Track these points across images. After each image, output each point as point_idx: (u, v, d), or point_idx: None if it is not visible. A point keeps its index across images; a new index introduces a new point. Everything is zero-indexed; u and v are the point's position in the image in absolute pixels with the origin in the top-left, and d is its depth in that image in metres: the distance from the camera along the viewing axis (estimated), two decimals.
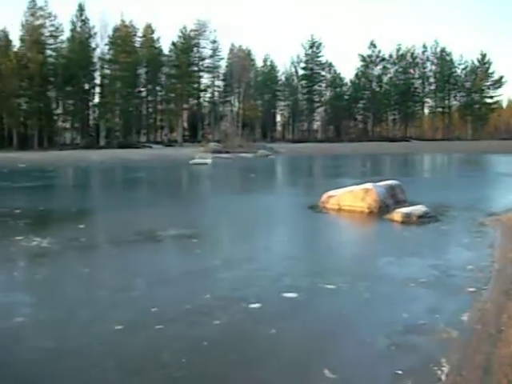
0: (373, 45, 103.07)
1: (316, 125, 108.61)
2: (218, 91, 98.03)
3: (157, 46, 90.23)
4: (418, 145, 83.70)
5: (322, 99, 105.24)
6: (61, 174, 38.05)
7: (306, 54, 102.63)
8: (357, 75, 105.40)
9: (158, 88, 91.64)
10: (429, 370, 5.01)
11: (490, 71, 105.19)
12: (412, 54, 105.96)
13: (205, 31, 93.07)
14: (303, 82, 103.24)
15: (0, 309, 6.96)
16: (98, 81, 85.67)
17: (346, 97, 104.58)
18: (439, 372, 4.95)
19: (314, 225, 14.41)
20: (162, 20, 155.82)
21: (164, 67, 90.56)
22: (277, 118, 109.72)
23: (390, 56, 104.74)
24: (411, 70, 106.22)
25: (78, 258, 10.13)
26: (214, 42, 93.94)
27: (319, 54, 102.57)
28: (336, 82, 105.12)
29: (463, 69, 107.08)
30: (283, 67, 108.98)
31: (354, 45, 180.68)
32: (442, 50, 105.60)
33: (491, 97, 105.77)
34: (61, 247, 10.69)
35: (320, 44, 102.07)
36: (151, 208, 17.33)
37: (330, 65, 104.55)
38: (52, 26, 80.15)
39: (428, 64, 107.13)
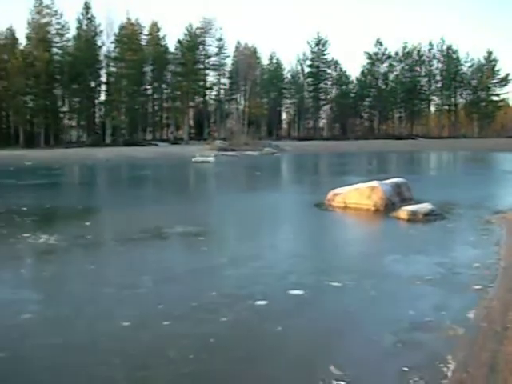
0: (379, 42, 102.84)
1: (322, 123, 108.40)
2: (224, 89, 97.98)
3: (163, 43, 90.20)
4: (424, 143, 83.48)
5: (328, 97, 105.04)
6: (67, 171, 38.13)
7: (312, 52, 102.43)
8: (363, 73, 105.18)
9: (163, 86, 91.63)
10: (435, 367, 5.02)
11: (497, 69, 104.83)
12: (418, 51, 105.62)
13: (211, 29, 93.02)
14: (309, 79, 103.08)
15: (8, 306, 6.99)
16: (103, 79, 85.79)
17: (352, 94, 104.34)
18: (445, 369, 4.96)
19: (320, 223, 14.41)
20: (167, 18, 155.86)
21: (170, 65, 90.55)
22: (282, 116, 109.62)
23: (396, 54, 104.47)
24: (417, 68, 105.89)
25: (84, 255, 10.17)
26: (220, 39, 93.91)
27: (325, 52, 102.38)
28: (342, 79, 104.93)
29: (469, 66, 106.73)
30: (289, 65, 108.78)
31: (360, 42, 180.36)
32: (449, 48, 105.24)
33: (498, 94, 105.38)
34: (67, 244, 10.73)
35: (326, 42, 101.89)
36: (157, 205, 17.37)
37: (336, 62, 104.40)
38: (58, 24, 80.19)
39: (434, 62, 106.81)
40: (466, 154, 57.60)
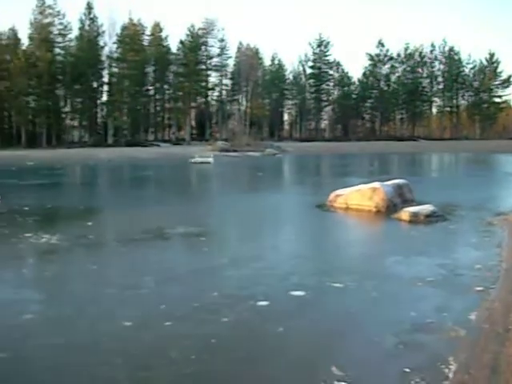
0: (381, 44, 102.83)
1: (323, 124, 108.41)
2: (226, 90, 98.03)
3: (165, 44, 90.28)
4: (426, 144, 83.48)
5: (330, 98, 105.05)
6: (69, 172, 38.17)
7: (314, 53, 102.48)
8: (365, 74, 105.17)
9: (165, 86, 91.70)
10: (436, 368, 5.01)
11: (499, 70, 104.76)
12: (420, 53, 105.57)
13: (213, 30, 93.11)
14: (311, 80, 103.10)
15: (10, 306, 7.00)
16: (106, 79, 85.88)
17: (354, 96, 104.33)
18: (447, 370, 4.96)
19: (322, 224, 14.42)
20: (170, 18, 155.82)
21: (172, 66, 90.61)
22: (284, 117, 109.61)
23: (398, 55, 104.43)
24: (419, 69, 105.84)
25: (86, 255, 10.18)
26: (222, 40, 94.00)
27: (327, 53, 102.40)
28: (344, 80, 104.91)
29: (471, 68, 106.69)
30: (291, 66, 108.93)
31: (362, 44, 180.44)
32: (451, 49, 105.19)
33: (500, 96, 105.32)
34: (69, 244, 10.75)
35: (328, 43, 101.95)
36: (159, 206, 17.38)
37: (338, 64, 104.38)
38: (61, 24, 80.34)
39: (436, 63, 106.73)
40: (467, 156, 57.59)
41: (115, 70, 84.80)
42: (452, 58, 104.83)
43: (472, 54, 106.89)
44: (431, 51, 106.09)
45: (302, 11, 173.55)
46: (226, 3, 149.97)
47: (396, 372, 5.03)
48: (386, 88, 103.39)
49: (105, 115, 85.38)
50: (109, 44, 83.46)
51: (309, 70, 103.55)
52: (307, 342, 5.78)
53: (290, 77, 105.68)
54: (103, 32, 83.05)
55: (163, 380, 4.96)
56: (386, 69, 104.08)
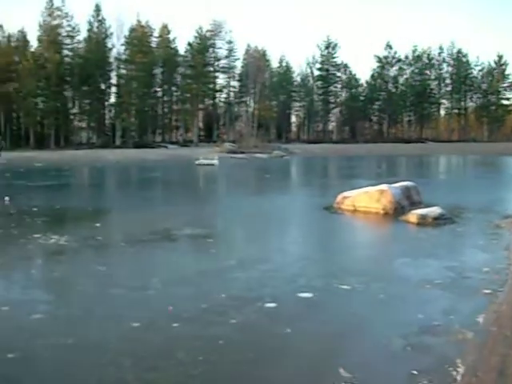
0: (389, 46, 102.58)
1: (331, 126, 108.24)
2: (234, 91, 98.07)
3: (173, 46, 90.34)
4: (434, 146, 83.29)
5: (338, 100, 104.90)
6: (77, 173, 38.29)
7: (322, 55, 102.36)
8: (372, 76, 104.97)
9: (173, 88, 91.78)
10: (444, 370, 5.01)
11: (507, 73, 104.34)
12: (428, 55, 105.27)
13: (220, 32, 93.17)
14: (319, 82, 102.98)
15: (19, 306, 7.03)
16: (114, 81, 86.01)
17: (362, 98, 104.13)
18: (454, 373, 4.96)
19: (329, 225, 14.42)
20: (178, 20, 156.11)
21: (180, 67, 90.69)
22: (292, 119, 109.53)
23: (406, 57, 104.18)
24: (427, 72, 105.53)
25: (94, 256, 10.23)
26: (230, 42, 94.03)
27: (335, 55, 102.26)
28: (351, 82, 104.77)
29: (480, 70, 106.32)
30: (299, 68, 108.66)
31: (370, 46, 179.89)
32: (459, 52, 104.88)
33: (508, 98, 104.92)
34: (78, 245, 10.79)
35: (336, 45, 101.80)
36: (166, 207, 17.44)
37: (346, 66, 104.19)
38: (69, 26, 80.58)
39: (444, 65, 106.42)
40: (475, 158, 57.42)
41: (123, 71, 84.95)
42: (460, 60, 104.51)
43: (480, 56, 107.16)
44: (439, 53, 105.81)
45: (309, 13, 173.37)
46: (234, 5, 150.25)
47: (404, 374, 5.03)
48: (393, 90, 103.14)
49: (113, 117, 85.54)
50: (117, 46, 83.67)
51: (316, 72, 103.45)
52: (315, 344, 5.78)
53: (298, 79, 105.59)
54: (111, 34, 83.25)
55: (171, 381, 4.98)
56: (393, 71, 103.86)
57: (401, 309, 7.06)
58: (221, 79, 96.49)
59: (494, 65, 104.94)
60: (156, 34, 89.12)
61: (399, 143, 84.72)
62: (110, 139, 79.88)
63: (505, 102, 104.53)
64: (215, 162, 43.17)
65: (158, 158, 53.51)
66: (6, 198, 18.05)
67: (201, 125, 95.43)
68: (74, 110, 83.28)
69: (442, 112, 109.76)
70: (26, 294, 7.61)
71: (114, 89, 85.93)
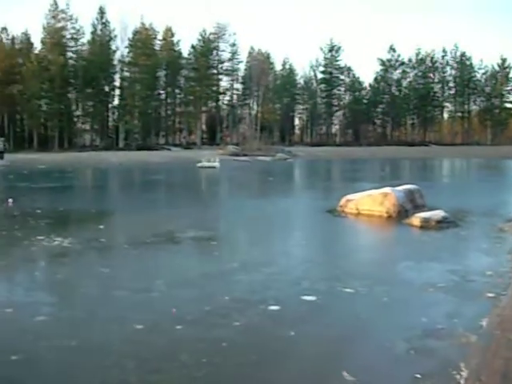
0: (392, 49, 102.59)
1: (334, 129, 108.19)
2: (237, 94, 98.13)
3: (176, 48, 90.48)
4: (437, 149, 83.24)
5: (341, 103, 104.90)
6: (80, 175, 38.36)
7: (325, 58, 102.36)
8: (376, 79, 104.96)
9: (177, 91, 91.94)
10: (448, 374, 5.01)
11: (511, 76, 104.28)
12: (431, 58, 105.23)
13: (224, 34, 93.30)
14: (322, 85, 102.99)
15: (22, 308, 7.04)
16: (117, 83, 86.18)
17: (365, 101, 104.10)
18: (458, 376, 4.95)
19: (333, 229, 14.41)
20: (181, 23, 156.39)
21: (183, 70, 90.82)
22: (295, 122, 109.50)
23: (410, 60, 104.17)
24: (431, 75, 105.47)
25: (98, 258, 10.25)
26: (234, 45, 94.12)
27: (338, 58, 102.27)
28: (355, 86, 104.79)
29: (483, 73, 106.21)
30: (302, 71, 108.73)
31: (373, 49, 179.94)
32: (462, 55, 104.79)
33: (511, 102, 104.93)
34: (81, 247, 10.81)
35: (339, 48, 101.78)
36: (169, 209, 17.46)
37: (349, 69, 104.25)
38: (73, 28, 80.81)
39: (448, 68, 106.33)
40: (479, 161, 57.36)
41: (127, 74, 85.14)
42: (463, 63, 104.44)
43: (484, 59, 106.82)
44: (443, 56, 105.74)
45: (313, 16, 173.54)
46: (237, 8, 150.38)
47: (407, 378, 5.02)
48: (397, 93, 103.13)
49: (116, 119, 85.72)
50: (121, 48, 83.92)
51: (320, 75, 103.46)
52: (318, 347, 5.78)
53: (301, 81, 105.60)
54: (115, 36, 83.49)
55: (175, 383, 4.99)
56: (397, 74, 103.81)
57: (404, 312, 7.05)
58: (224, 82, 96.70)
59: (497, 68, 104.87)
60: (160, 36, 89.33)
61: (402, 146, 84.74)
62: (113, 141, 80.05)
63: (508, 106, 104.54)
64: (216, 164, 43.03)
65: (161, 160, 53.55)
66: (10, 200, 18.09)
67: (204, 127, 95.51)
68: (78, 112, 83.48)
69: (446, 115, 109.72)
70: (29, 296, 7.62)
71: (117, 91, 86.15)
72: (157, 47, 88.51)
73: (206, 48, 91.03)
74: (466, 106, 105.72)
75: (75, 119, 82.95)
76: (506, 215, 15.42)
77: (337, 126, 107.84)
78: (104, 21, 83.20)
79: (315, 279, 8.41)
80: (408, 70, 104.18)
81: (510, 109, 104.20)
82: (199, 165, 42.81)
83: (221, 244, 11.77)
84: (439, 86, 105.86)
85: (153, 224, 14.22)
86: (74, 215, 16.84)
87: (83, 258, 10.12)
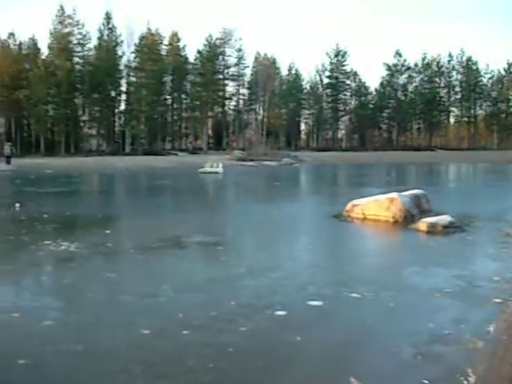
0: (398, 54, 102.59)
1: (340, 133, 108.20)
2: (243, 99, 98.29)
3: (182, 54, 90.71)
4: (443, 154, 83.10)
5: (347, 108, 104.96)
6: (87, 180, 38.46)
7: (331, 63, 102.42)
8: (382, 84, 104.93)
9: (183, 96, 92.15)
10: (455, 379, 4.99)
11: None
12: (438, 62, 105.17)
13: (230, 39, 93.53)
14: (328, 90, 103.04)
15: (29, 312, 7.05)
16: (124, 88, 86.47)
17: (371, 106, 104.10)
18: (465, 382, 4.93)
19: (339, 233, 14.40)
20: (187, 28, 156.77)
21: (189, 75, 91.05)
22: (301, 127, 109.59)
23: (416, 65, 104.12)
24: (437, 79, 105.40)
25: (104, 263, 10.26)
26: (240, 50, 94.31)
27: (344, 63, 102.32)
28: (361, 90, 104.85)
29: (489, 78, 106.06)
30: (308, 76, 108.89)
31: (379, 53, 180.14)
32: (468, 59, 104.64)
33: None
34: (88, 252, 10.83)
35: (345, 53, 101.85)
36: (175, 214, 17.46)
37: (355, 73, 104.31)
38: (80, 33, 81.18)
39: (454, 73, 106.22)
40: (485, 166, 57.22)
41: (133, 79, 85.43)
42: (470, 68, 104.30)
43: (490, 64, 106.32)
44: (449, 61, 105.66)
45: (319, 21, 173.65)
46: (243, 13, 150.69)
47: (414, 383, 5.01)
48: (403, 98, 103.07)
49: (122, 124, 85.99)
50: (127, 53, 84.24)
51: (326, 80, 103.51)
52: (325, 352, 5.78)
53: (307, 86, 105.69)
54: (121, 42, 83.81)
55: None
56: (403, 79, 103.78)
57: (411, 317, 7.03)
58: (230, 87, 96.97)
59: (503, 72, 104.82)
60: (166, 41, 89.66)
61: (408, 151, 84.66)
62: (119, 146, 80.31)
63: None
64: (220, 170, 42.21)
65: (167, 165, 53.64)
66: (17, 205, 18.15)
67: (210, 132, 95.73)
68: (84, 117, 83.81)
69: (452, 120, 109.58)
70: (36, 301, 7.64)
71: (123, 96, 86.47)
72: (163, 52, 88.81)
73: (212, 53, 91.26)
74: (472, 111, 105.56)
75: (82, 124, 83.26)
76: None
77: (343, 131, 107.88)
78: (110, 26, 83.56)
79: (321, 284, 8.41)
80: (414, 74, 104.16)
81: None
82: (201, 170, 42.00)
83: (227, 249, 11.78)
84: (445, 90, 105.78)
85: (159, 229, 14.24)
86: (80, 220, 16.88)
87: (90, 263, 10.14)
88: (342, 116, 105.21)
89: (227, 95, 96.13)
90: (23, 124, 79.95)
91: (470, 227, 14.12)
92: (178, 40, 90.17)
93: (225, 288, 8.30)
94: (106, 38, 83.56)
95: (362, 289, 8.00)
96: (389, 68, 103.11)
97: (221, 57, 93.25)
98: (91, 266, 9.99)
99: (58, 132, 76.57)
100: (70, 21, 79.87)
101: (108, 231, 13.72)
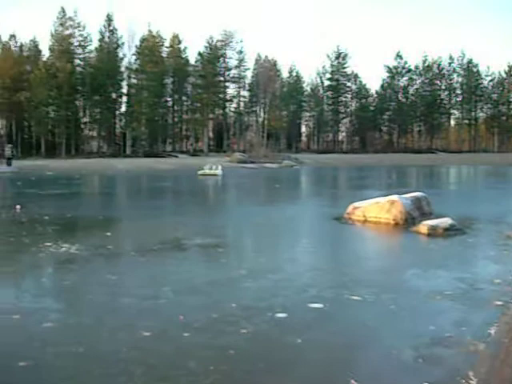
0: (399, 56, 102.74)
1: (341, 136, 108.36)
2: (244, 101, 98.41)
3: (183, 56, 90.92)
4: (444, 157, 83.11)
5: (348, 110, 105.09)
6: (87, 182, 38.46)
7: (332, 65, 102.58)
8: (382, 86, 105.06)
9: (184, 98, 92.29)
10: (456, 382, 4.98)
11: None
12: (438, 65, 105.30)
13: (231, 42, 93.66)
14: (329, 92, 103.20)
15: (30, 314, 7.05)
16: (124, 90, 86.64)
17: (372, 108, 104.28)
18: None
19: (340, 236, 14.39)
20: (188, 30, 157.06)
21: (190, 77, 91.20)
22: (302, 129, 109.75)
23: (416, 67, 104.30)
24: (437, 82, 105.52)
25: (105, 265, 10.25)
26: (241, 52, 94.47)
27: (345, 65, 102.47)
28: (361, 93, 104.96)
29: (490, 80, 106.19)
30: (309, 78, 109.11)
31: (380, 56, 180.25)
32: (469, 62, 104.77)
33: None
34: (89, 254, 10.82)
35: (346, 55, 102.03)
36: (176, 217, 17.45)
37: (356, 76, 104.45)
38: (81, 35, 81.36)
39: (454, 75, 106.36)
40: (486, 169, 57.23)
41: (134, 81, 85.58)
42: (470, 70, 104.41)
43: (491, 67, 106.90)
44: (450, 63, 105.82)
45: (320, 23, 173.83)
46: (244, 15, 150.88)
47: None
48: (403, 100, 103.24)
49: (123, 126, 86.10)
50: (128, 55, 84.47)
51: (326, 82, 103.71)
52: (325, 355, 5.77)
53: (308, 89, 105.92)
54: (122, 44, 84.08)
55: None
56: (404, 81, 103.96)
57: (412, 320, 7.02)
58: (231, 89, 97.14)
59: (504, 75, 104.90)
60: (167, 43, 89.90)
61: (409, 153, 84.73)
62: (120, 148, 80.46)
63: None
64: (219, 172, 41.97)
65: (167, 167, 53.65)
66: (18, 207, 18.16)
67: (211, 134, 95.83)
68: (85, 119, 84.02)
69: (453, 122, 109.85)
70: (36, 303, 7.63)
71: (124, 98, 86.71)
72: (164, 54, 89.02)
73: (213, 55, 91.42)
74: (472, 113, 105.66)
75: (82, 126, 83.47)
76: None
77: (343, 133, 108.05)
78: (111, 28, 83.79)
79: (322, 286, 8.40)
80: (415, 77, 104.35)
81: None
82: (200, 172, 41.80)
83: (228, 251, 11.78)
84: (446, 93, 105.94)
85: (160, 231, 14.24)
86: (81, 222, 16.88)
87: (90, 265, 10.13)
88: (343, 118, 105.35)
89: (228, 97, 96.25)
90: (24, 126, 80.00)
91: (470, 230, 14.11)
92: (179, 42, 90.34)
93: (225, 290, 8.29)
94: (107, 40, 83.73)
95: (363, 291, 7.99)
96: (389, 70, 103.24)
97: (222, 59, 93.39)
98: (92, 267, 9.98)
99: (59, 134, 76.64)
100: (71, 23, 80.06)
101: (109, 233, 13.71)
